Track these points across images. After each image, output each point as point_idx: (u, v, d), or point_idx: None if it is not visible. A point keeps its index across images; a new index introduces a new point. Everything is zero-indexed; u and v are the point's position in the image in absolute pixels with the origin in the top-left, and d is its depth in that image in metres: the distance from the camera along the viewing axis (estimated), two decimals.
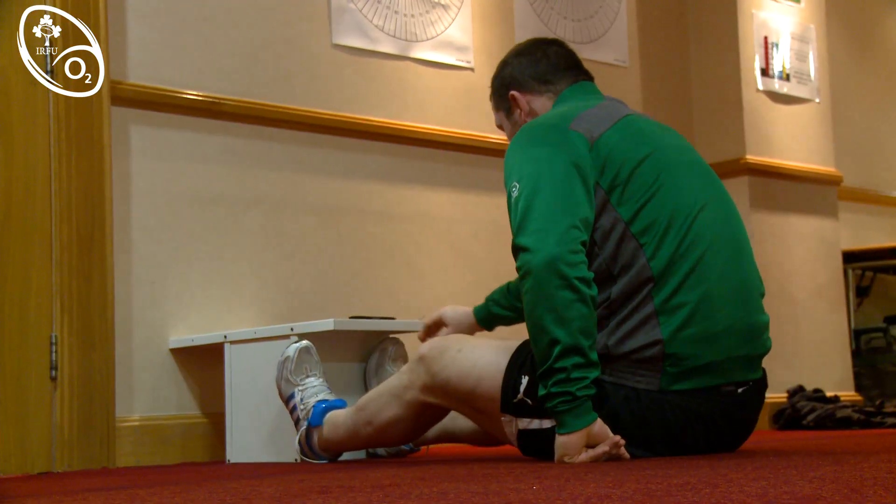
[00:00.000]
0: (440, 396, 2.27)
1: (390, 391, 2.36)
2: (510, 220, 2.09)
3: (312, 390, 2.58)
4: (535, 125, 2.19)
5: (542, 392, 2.01)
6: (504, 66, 2.42)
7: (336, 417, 2.51)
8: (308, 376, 2.60)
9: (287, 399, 2.60)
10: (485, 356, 2.19)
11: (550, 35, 3.98)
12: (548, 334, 1.97)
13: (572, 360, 1.97)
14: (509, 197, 2.10)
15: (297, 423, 2.58)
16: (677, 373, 2.03)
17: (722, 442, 2.14)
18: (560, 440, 2.01)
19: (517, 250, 2.04)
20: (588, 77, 2.37)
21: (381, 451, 2.74)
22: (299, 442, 2.57)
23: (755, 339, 2.14)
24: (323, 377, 2.62)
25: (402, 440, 2.49)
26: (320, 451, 2.54)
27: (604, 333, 2.04)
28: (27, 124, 2.88)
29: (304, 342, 2.63)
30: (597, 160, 2.08)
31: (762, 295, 2.20)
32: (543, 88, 2.34)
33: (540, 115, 2.29)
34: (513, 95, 2.37)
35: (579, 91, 2.31)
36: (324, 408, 2.53)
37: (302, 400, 2.57)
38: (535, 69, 2.35)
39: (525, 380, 2.10)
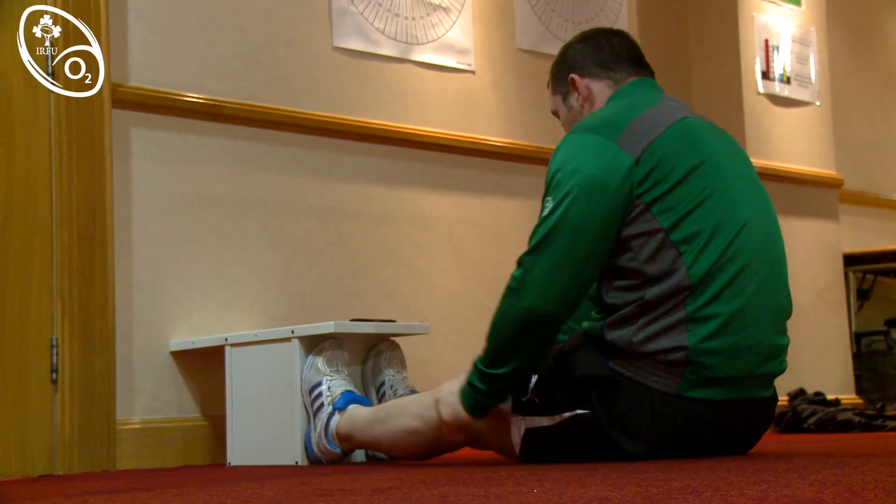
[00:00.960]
0: (464, 413, 2.27)
1: (417, 403, 2.39)
2: (539, 218, 2.10)
3: (341, 382, 2.65)
4: (588, 130, 2.14)
5: (474, 381, 2.15)
6: (567, 49, 2.41)
7: (358, 409, 2.56)
8: (338, 370, 2.67)
9: (312, 387, 2.64)
10: None
11: (551, 37, 4.00)
12: (506, 357, 2.12)
13: (512, 383, 2.15)
14: (544, 199, 2.11)
15: (318, 411, 2.61)
16: (696, 380, 2.03)
17: (728, 450, 2.14)
18: (461, 408, 2.19)
19: (520, 264, 2.08)
20: (649, 72, 2.36)
21: (381, 454, 2.74)
22: (322, 427, 2.59)
23: (775, 359, 2.14)
24: (349, 378, 2.69)
25: (410, 455, 2.48)
26: (335, 439, 2.58)
27: (631, 330, 2.04)
28: (28, 127, 2.88)
29: (338, 340, 2.71)
30: (640, 172, 2.05)
31: (788, 316, 2.20)
32: (604, 74, 2.32)
33: (596, 111, 2.26)
34: (572, 79, 2.35)
35: (640, 87, 2.29)
36: (350, 398, 2.59)
37: (329, 388, 2.62)
38: (598, 55, 2.33)
39: (534, 378, 2.12)
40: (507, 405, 2.18)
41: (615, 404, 2.05)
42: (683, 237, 2.03)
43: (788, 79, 4.68)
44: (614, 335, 2.06)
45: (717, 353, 2.02)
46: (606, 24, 4.16)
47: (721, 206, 2.08)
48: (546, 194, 2.11)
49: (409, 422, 2.38)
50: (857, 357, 5.17)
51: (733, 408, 2.09)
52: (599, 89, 2.32)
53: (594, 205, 2.04)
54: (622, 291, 2.07)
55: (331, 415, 2.59)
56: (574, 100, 2.36)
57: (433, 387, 2.44)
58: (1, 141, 2.92)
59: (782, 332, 2.17)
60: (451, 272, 3.65)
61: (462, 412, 2.21)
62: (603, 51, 2.34)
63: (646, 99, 2.22)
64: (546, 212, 2.08)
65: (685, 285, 2.02)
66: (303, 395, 2.68)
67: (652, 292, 2.03)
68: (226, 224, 3.16)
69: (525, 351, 2.10)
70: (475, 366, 2.17)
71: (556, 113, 2.43)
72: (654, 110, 2.16)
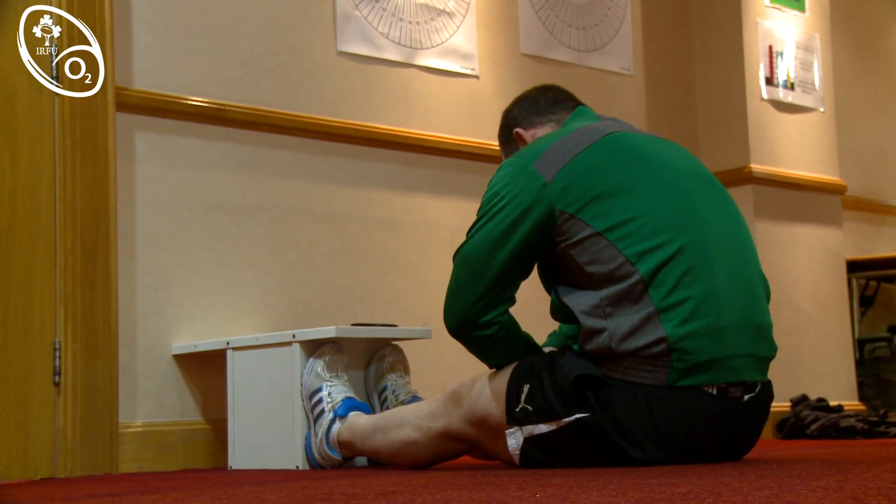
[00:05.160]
0: (461, 425, 2.29)
1: (416, 413, 2.41)
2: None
3: (341, 388, 2.66)
4: (514, 157, 2.25)
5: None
6: (506, 114, 2.55)
7: (358, 417, 2.58)
8: (338, 376, 2.68)
9: (312, 393, 2.65)
10: (499, 375, 2.25)
11: (555, 42, 4.01)
12: (483, 357, 2.29)
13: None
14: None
15: (318, 417, 2.62)
16: (684, 368, 2.04)
17: (726, 450, 2.14)
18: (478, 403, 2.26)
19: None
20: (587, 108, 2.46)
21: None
22: (323, 433, 2.59)
23: (761, 338, 2.15)
24: (349, 384, 2.69)
25: (410, 464, 2.49)
26: (336, 446, 2.58)
27: (605, 337, 2.05)
28: (32, 130, 2.89)
29: (338, 345, 2.71)
30: (555, 189, 2.12)
31: (767, 295, 2.23)
32: (545, 119, 2.45)
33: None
34: (517, 133, 2.47)
35: (578, 116, 2.39)
36: (351, 405, 2.61)
37: (330, 394, 2.64)
38: (534, 106, 2.48)
39: (526, 388, 2.14)
40: (500, 419, 2.19)
41: (612, 407, 2.05)
42: (621, 235, 2.08)
43: (792, 85, 4.67)
44: (592, 347, 2.08)
45: (696, 335, 2.04)
46: (610, 31, 4.17)
47: (664, 202, 2.12)
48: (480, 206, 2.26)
49: (409, 433, 2.40)
50: (860, 363, 5.16)
51: (728, 400, 2.09)
52: (544, 133, 2.41)
53: (506, 226, 2.17)
54: (576, 299, 2.11)
55: (332, 422, 2.60)
56: None
57: (435, 392, 2.44)
58: (5, 144, 2.93)
59: (762, 310, 2.19)
60: None
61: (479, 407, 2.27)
62: (539, 102, 2.48)
63: (580, 123, 2.32)
64: (473, 226, 2.24)
65: (636, 280, 2.05)
66: (303, 400, 2.68)
67: (605, 295, 2.07)
68: (229, 228, 3.17)
69: (486, 351, 2.26)
70: None
71: None
72: (583, 130, 2.24)
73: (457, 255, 2.24)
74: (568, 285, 2.16)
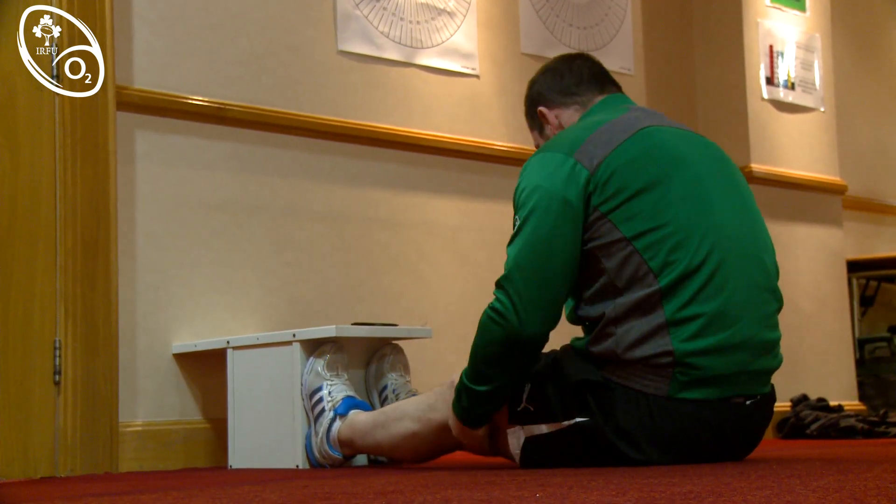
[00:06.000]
0: None
1: (416, 405, 2.42)
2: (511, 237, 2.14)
3: (342, 387, 2.66)
4: (548, 148, 2.18)
5: (461, 395, 2.18)
6: (531, 85, 2.46)
7: (358, 415, 2.58)
8: (339, 375, 2.68)
9: (312, 392, 2.65)
10: None
11: (555, 42, 4.00)
12: (489, 376, 2.13)
13: (495, 400, 2.16)
14: (514, 218, 2.15)
15: (319, 416, 2.62)
16: (687, 381, 2.03)
17: (727, 453, 2.14)
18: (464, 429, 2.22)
19: (500, 287, 2.10)
20: (616, 88, 2.39)
21: (382, 458, 2.74)
22: (323, 432, 2.59)
23: (767, 353, 2.14)
24: (349, 383, 2.69)
25: (410, 457, 2.49)
26: (337, 444, 2.59)
27: (612, 341, 2.05)
28: (33, 129, 2.89)
29: (338, 344, 2.71)
30: (595, 183, 2.08)
31: (778, 310, 2.20)
32: (569, 101, 2.36)
33: (561, 131, 2.30)
34: (540, 111, 2.40)
35: (607, 104, 2.32)
36: (352, 403, 2.61)
37: (330, 393, 2.64)
38: (559, 83, 2.38)
39: (527, 388, 2.13)
40: (502, 415, 2.18)
41: (612, 411, 2.05)
42: (647, 244, 2.04)
43: (793, 85, 4.67)
44: (598, 349, 2.08)
45: (704, 352, 2.03)
46: (611, 30, 4.17)
47: (688, 210, 2.08)
48: (515, 213, 2.15)
49: (409, 425, 2.40)
50: (861, 363, 5.16)
51: (730, 406, 2.09)
52: (569, 116, 2.36)
53: (557, 218, 2.07)
54: (593, 303, 2.09)
55: (332, 420, 2.60)
56: (549, 131, 2.40)
57: None
58: (5, 144, 2.93)
59: (772, 326, 2.17)
60: (455, 277, 3.65)
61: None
62: (564, 77, 2.38)
63: (609, 114, 2.24)
64: (515, 230, 2.12)
65: (654, 291, 2.03)
66: (303, 400, 2.69)
67: (621, 302, 2.05)
68: (230, 227, 3.17)
69: (509, 371, 2.13)
70: (461, 379, 2.19)
71: (538, 147, 2.44)
72: (615, 123, 2.17)
73: (516, 256, 2.09)
74: (587, 288, 2.12)
